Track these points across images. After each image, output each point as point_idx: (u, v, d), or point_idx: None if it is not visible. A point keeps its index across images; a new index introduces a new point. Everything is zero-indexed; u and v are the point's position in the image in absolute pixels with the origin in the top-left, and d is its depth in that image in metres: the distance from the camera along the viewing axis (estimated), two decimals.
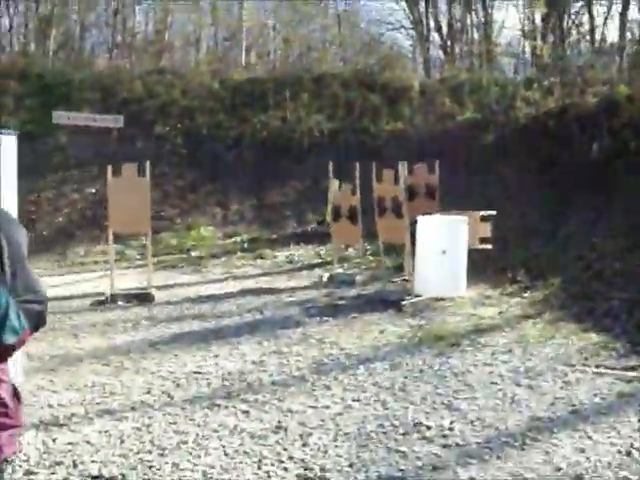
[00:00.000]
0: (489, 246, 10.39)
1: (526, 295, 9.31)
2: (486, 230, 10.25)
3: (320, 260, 12.57)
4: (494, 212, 10.51)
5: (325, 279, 10.84)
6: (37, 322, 2.48)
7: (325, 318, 8.47)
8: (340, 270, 11.49)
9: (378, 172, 9.75)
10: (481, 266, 10.57)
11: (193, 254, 13.28)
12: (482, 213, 10.39)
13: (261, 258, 12.87)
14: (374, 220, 10.43)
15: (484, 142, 14.68)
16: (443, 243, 9.31)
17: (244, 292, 10.16)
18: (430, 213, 10.30)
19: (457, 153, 14.41)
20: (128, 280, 10.92)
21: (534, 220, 11.89)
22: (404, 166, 10.10)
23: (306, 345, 7.35)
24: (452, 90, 16.76)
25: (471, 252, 9.83)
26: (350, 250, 12.77)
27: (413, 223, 9.76)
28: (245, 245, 13.79)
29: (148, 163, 9.65)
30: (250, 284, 10.80)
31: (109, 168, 9.74)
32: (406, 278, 10.10)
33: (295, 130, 16.36)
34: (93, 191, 15.14)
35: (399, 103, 16.72)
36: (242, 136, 16.44)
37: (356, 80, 17.68)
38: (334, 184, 11.41)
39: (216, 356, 7.00)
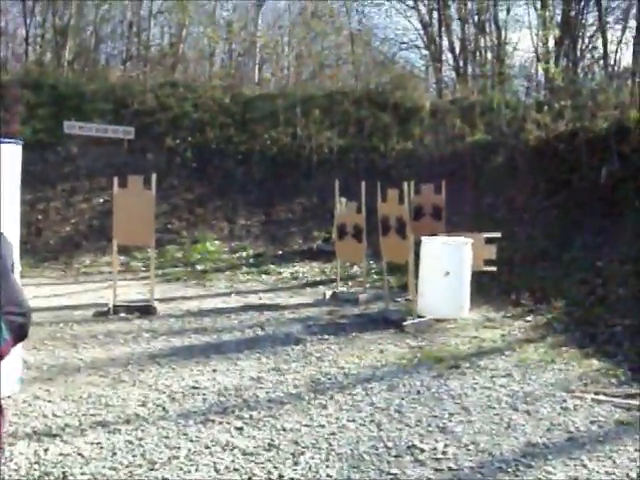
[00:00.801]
0: (493, 268, 10.37)
1: (529, 318, 9.28)
2: (491, 252, 10.23)
3: (325, 277, 12.56)
4: (499, 234, 10.49)
5: (328, 297, 10.82)
6: (19, 334, 2.48)
7: (326, 336, 8.44)
8: (343, 288, 11.48)
9: (383, 191, 9.75)
10: (485, 288, 10.55)
11: (198, 268, 13.29)
12: (487, 235, 10.38)
13: (266, 274, 12.86)
14: (379, 239, 10.41)
15: (494, 164, 14.68)
16: (447, 264, 9.28)
17: (247, 307, 10.14)
18: (436, 234, 10.30)
19: (466, 174, 14.43)
20: (131, 292, 10.94)
21: (541, 243, 11.87)
22: (410, 186, 10.10)
23: (305, 363, 7.33)
24: (463, 111, 16.78)
25: (475, 274, 9.81)
26: (355, 268, 12.77)
27: (418, 243, 9.76)
28: (250, 260, 13.80)
29: (154, 176, 9.68)
30: (253, 299, 10.79)
31: (115, 179, 9.78)
32: (409, 298, 10.07)
33: (305, 146, 16.41)
34: (101, 201, 15.20)
35: (410, 123, 16.75)
36: (251, 151, 16.49)
37: (368, 99, 17.73)
38: (342, 203, 11.44)
39: (214, 371, 6.98)
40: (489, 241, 10.36)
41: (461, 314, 9.37)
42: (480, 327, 8.96)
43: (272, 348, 7.88)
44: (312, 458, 4.93)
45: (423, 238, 9.71)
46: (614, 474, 4.75)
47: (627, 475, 4.73)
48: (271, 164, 16.32)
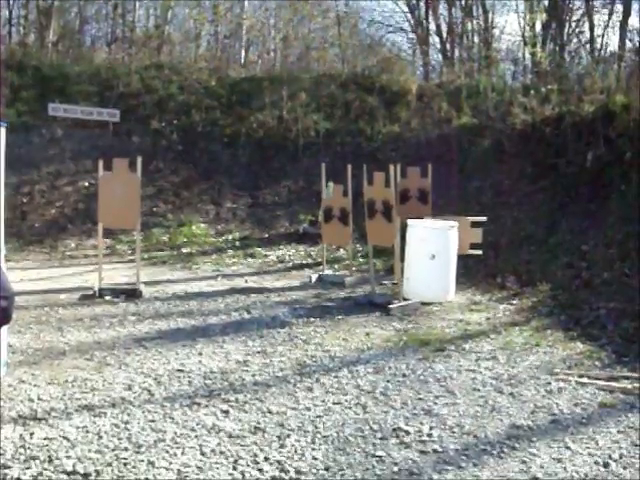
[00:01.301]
0: (479, 252, 10.41)
1: (514, 302, 9.33)
2: (476, 236, 10.27)
3: (311, 261, 12.57)
4: (485, 218, 10.53)
5: (314, 280, 10.84)
6: (2, 318, 2.47)
7: (312, 319, 8.46)
8: (330, 271, 11.50)
9: (370, 174, 9.74)
10: (471, 272, 10.60)
11: (184, 251, 13.26)
12: (473, 219, 10.40)
13: (252, 257, 12.85)
14: (365, 222, 10.41)
15: (480, 147, 14.68)
16: (433, 248, 9.32)
17: (233, 290, 10.14)
18: (422, 217, 10.32)
19: (453, 157, 14.43)
20: (117, 275, 10.91)
21: (527, 226, 11.90)
22: (397, 169, 10.10)
23: (291, 346, 7.34)
24: (450, 95, 16.77)
25: (461, 257, 9.84)
26: (341, 252, 12.79)
27: (404, 227, 9.77)
28: (237, 243, 13.78)
29: (140, 158, 9.62)
30: (239, 283, 10.78)
31: (100, 162, 9.71)
32: (395, 281, 10.10)
33: (291, 129, 16.35)
34: (86, 184, 15.10)
35: (396, 106, 16.72)
36: (238, 134, 16.42)
37: (354, 81, 17.69)
38: (330, 187, 11.42)
39: (200, 354, 6.99)
40: (475, 225, 10.40)
41: (447, 297, 9.41)
42: (466, 310, 9.00)
43: (258, 331, 7.89)
44: (298, 441, 4.95)
45: (409, 221, 9.73)
46: (597, 455, 4.79)
47: (609, 456, 4.78)
48: (257, 147, 16.27)
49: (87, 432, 5.04)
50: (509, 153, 13.76)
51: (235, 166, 15.94)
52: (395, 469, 4.56)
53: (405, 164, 11.42)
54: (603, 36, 21.07)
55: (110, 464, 4.54)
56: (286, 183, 15.57)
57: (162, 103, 17.13)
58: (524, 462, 4.67)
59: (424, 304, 9.13)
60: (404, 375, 6.42)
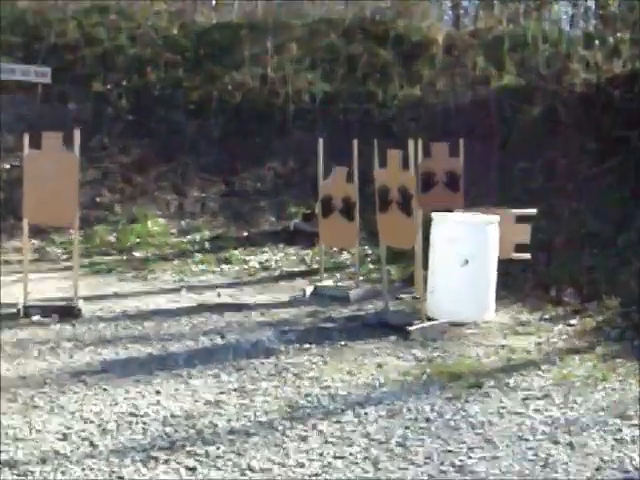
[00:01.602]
0: (527, 256, 10.40)
1: (574, 322, 9.35)
2: (524, 234, 10.26)
3: (304, 268, 12.60)
4: (534, 211, 10.52)
5: (309, 294, 10.86)
6: None
7: (306, 346, 8.47)
8: (330, 282, 11.52)
9: (382, 153, 9.73)
10: (516, 282, 10.61)
11: (137, 255, 13.26)
12: (519, 212, 10.40)
13: (227, 263, 12.87)
14: (376, 217, 10.41)
15: (528, 117, 14.73)
16: (466, 250, 9.31)
17: (202, 308, 10.15)
18: (451, 210, 10.31)
19: (492, 130, 14.47)
20: (49, 287, 10.91)
21: (590, 221, 11.94)
22: (418, 145, 10.09)
23: (279, 381, 7.35)
24: (488, 47, 16.81)
25: (503, 262, 9.84)
26: (344, 256, 12.80)
27: (428, 222, 9.76)
28: (207, 245, 13.79)
29: (78, 132, 9.58)
30: (210, 297, 10.79)
31: (25, 137, 9.68)
32: (416, 295, 10.09)
33: (278, 93, 16.36)
34: (7, 167, 15.10)
35: (417, 62, 16.73)
36: (208, 100, 16.42)
37: (361, 29, 17.71)
38: (335, 171, 11.37)
39: (158, 392, 7.00)
40: (522, 220, 10.39)
41: (484, 316, 9.43)
42: (509, 333, 9.03)
43: (235, 362, 7.89)
44: None
45: (434, 215, 9.73)
46: None
47: None
48: (233, 117, 16.27)
49: None
50: (566, 124, 13.80)
51: (204, 142, 15.94)
52: None
53: (429, 139, 11.43)
54: None
55: None
56: (272, 165, 15.59)
57: (107, 58, 17.14)
58: None
59: (454, 325, 9.14)
60: (428, 420, 6.42)
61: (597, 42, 15.27)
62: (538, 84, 15.12)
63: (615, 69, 14.13)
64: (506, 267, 10.07)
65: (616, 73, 14.02)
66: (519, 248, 10.34)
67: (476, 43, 17.06)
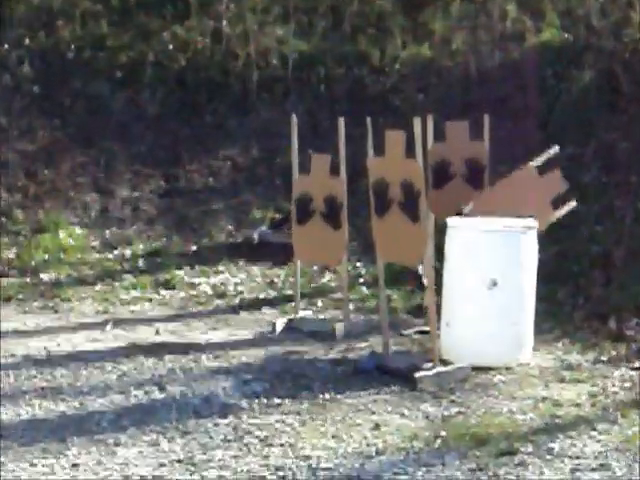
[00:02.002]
0: (572, 204, 10.33)
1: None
2: (556, 183, 10.28)
3: (274, 293, 12.61)
4: (556, 147, 10.56)
5: (281, 329, 10.89)
6: None
7: (277, 401, 8.46)
8: (309, 313, 11.54)
9: (378, 135, 9.75)
10: (562, 308, 10.64)
11: (45, 277, 13.24)
12: (538, 160, 10.41)
13: (168, 288, 12.86)
14: (372, 222, 10.43)
15: (577, 85, 14.77)
16: (493, 267, 9.35)
17: (134, 349, 10.15)
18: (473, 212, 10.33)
19: (528, 103, 14.50)
20: None
21: None
22: (428, 124, 10.10)
23: (238, 450, 7.35)
24: None
25: (545, 283, 9.85)
26: (328, 276, 12.83)
27: (443, 229, 9.79)
28: (140, 263, 13.81)
29: None
30: (146, 335, 10.78)
31: None
32: (426, 329, 10.11)
33: (237, 56, 16.37)
34: None
35: (425, 10, 16.77)
36: (140, 64, 16.43)
37: None
38: (321, 161, 11.38)
39: (75, 466, 6.97)
40: (545, 168, 10.39)
41: (519, 358, 9.45)
42: (553, 380, 9.03)
43: (180, 423, 7.88)
44: None
45: (450, 220, 9.75)
46: None
47: None
48: (177, 87, 16.27)
49: None
50: (628, 95, 13.84)
51: (136, 122, 15.94)
52: None
53: (441, 116, 11.44)
54: None
55: None
56: (228, 153, 15.59)
57: (2, 9, 17.10)
58: None
59: (478, 370, 9.15)
60: None
61: None
62: (590, 41, 15.18)
63: None
64: (550, 287, 10.08)
65: None
66: (558, 203, 10.34)
67: None
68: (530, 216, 9.83)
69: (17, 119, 15.97)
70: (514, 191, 10.06)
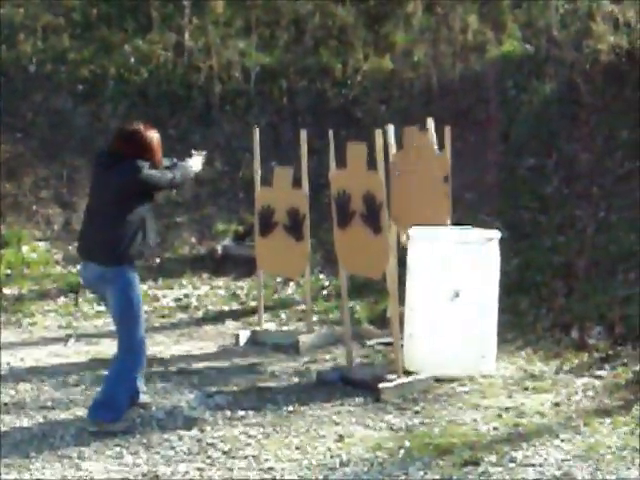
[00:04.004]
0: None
1: (602, 373, 9.41)
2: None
3: (237, 306, 12.60)
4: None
5: (244, 341, 10.90)
6: None
7: (240, 413, 8.48)
8: (272, 325, 11.55)
9: (341, 147, 9.76)
10: (525, 319, 10.67)
11: (7, 292, 13.18)
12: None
13: None
14: (334, 234, 10.44)
15: (538, 97, 14.82)
16: (456, 279, 9.37)
17: (97, 364, 10.10)
18: (435, 223, 10.34)
19: (490, 115, 14.55)
20: None
21: (622, 238, 12.00)
22: (389, 135, 10.12)
23: (202, 462, 7.36)
24: (483, 1, 16.90)
25: (508, 294, 9.87)
26: (291, 288, 12.84)
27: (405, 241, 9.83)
28: None
29: None
30: (109, 349, 10.70)
31: None
32: (388, 341, 10.13)
33: (199, 68, 16.36)
34: None
35: (386, 23, 16.80)
36: (102, 77, 16.39)
37: None
38: (283, 173, 11.39)
39: None
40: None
41: (482, 368, 9.47)
42: (517, 390, 9.06)
43: (143, 437, 7.88)
44: None
45: (412, 231, 9.78)
46: None
47: None
48: (139, 101, 16.24)
49: None
50: (589, 106, 13.90)
51: (99, 135, 15.88)
52: None
53: (403, 127, 11.45)
54: None
55: None
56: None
57: None
58: None
59: (441, 381, 9.18)
60: None
61: None
62: (551, 52, 15.24)
63: None
64: (513, 299, 10.11)
65: None
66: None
67: None
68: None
69: None
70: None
